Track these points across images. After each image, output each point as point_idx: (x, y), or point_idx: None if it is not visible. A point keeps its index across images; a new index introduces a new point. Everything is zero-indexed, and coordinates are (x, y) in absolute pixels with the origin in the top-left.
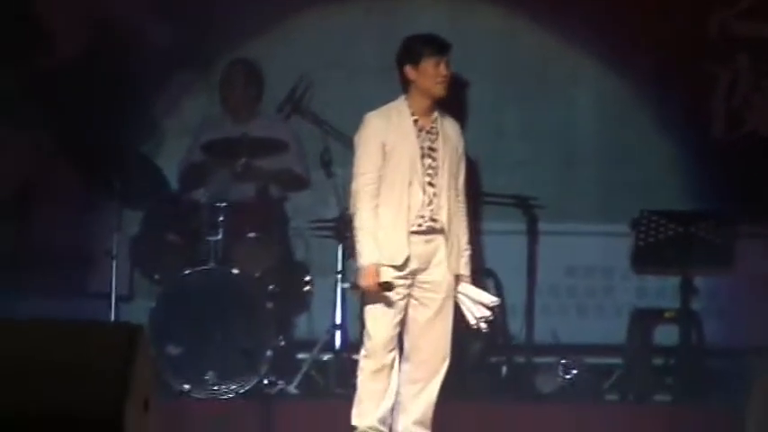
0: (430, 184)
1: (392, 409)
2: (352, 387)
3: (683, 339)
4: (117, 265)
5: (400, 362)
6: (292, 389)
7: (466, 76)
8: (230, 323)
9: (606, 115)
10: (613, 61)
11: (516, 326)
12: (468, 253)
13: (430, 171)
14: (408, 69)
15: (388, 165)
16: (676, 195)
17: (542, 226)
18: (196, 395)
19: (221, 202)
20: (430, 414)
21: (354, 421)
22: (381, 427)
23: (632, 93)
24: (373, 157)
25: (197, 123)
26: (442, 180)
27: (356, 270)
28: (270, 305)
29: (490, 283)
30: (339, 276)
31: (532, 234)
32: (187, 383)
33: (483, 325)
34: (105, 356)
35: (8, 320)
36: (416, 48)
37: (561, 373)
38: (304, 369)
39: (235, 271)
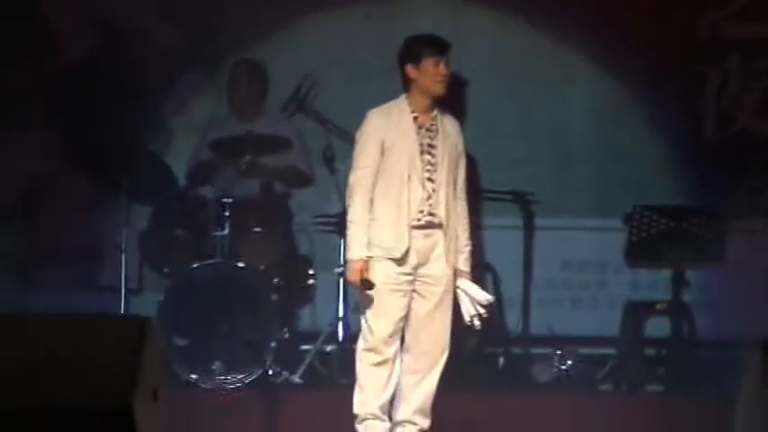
0: (429, 179)
1: (392, 398)
2: (354, 377)
3: (675, 331)
4: (126, 260)
5: (401, 353)
6: (296, 379)
7: (464, 76)
8: (236, 315)
9: (600, 114)
10: (607, 62)
11: (513, 318)
12: (468, 249)
13: (429, 167)
14: (409, 68)
15: (387, 160)
16: (668, 192)
17: (538, 221)
18: (203, 385)
19: (227, 199)
20: (429, 403)
21: (356, 409)
22: (381, 415)
23: (625, 93)
24: (372, 153)
25: (204, 122)
26: (441, 176)
27: (344, 263)
28: (274, 298)
29: (488, 276)
30: (341, 270)
31: (529, 229)
32: (194, 373)
33: (477, 322)
34: (115, 348)
35: (22, 315)
36: (417, 47)
37: (557, 364)
38: (308, 360)
39: (240, 265)
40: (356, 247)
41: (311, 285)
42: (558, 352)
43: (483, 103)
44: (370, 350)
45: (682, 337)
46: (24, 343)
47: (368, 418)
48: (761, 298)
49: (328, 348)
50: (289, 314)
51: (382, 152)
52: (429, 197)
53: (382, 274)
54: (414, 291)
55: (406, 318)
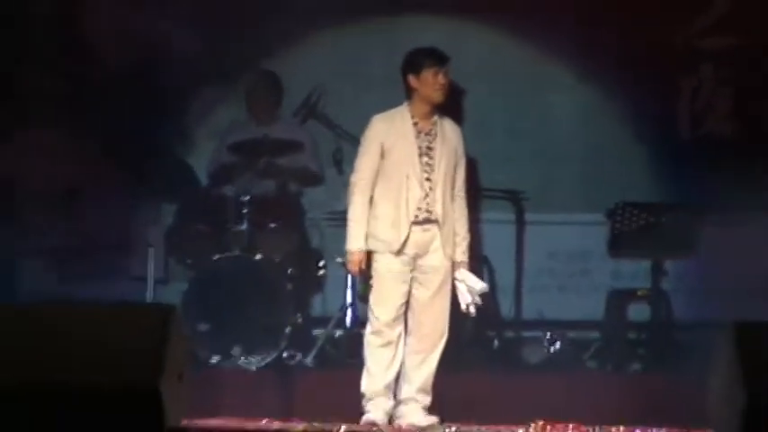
0: (427, 179)
1: (397, 378)
2: (361, 358)
3: (654, 315)
4: (154, 253)
5: (405, 336)
6: (309, 361)
7: (461, 84)
8: (254, 303)
9: (585, 117)
10: (590, 71)
11: (506, 304)
12: (465, 242)
13: (427, 168)
14: (411, 78)
15: (387, 161)
16: (647, 189)
17: (528, 216)
18: (224, 366)
19: (246, 197)
20: (430, 382)
21: (363, 388)
22: (387, 394)
23: (608, 99)
24: (372, 156)
25: (224, 127)
26: (438, 176)
27: (344, 254)
28: (289, 287)
29: (484, 266)
30: (342, 261)
31: (520, 223)
32: (216, 356)
33: (472, 309)
34: (143, 334)
35: (58, 303)
36: (418, 59)
37: (546, 346)
38: (319, 343)
39: (258, 257)
40: (354, 240)
41: (322, 276)
42: (548, 335)
43: (477, 108)
44: (375, 333)
45: (660, 321)
46: (59, 329)
47: (374, 397)
48: (731, 285)
49: (338, 333)
50: (302, 302)
51: (382, 154)
52: (426, 195)
53: (383, 265)
54: (414, 279)
55: (408, 304)
